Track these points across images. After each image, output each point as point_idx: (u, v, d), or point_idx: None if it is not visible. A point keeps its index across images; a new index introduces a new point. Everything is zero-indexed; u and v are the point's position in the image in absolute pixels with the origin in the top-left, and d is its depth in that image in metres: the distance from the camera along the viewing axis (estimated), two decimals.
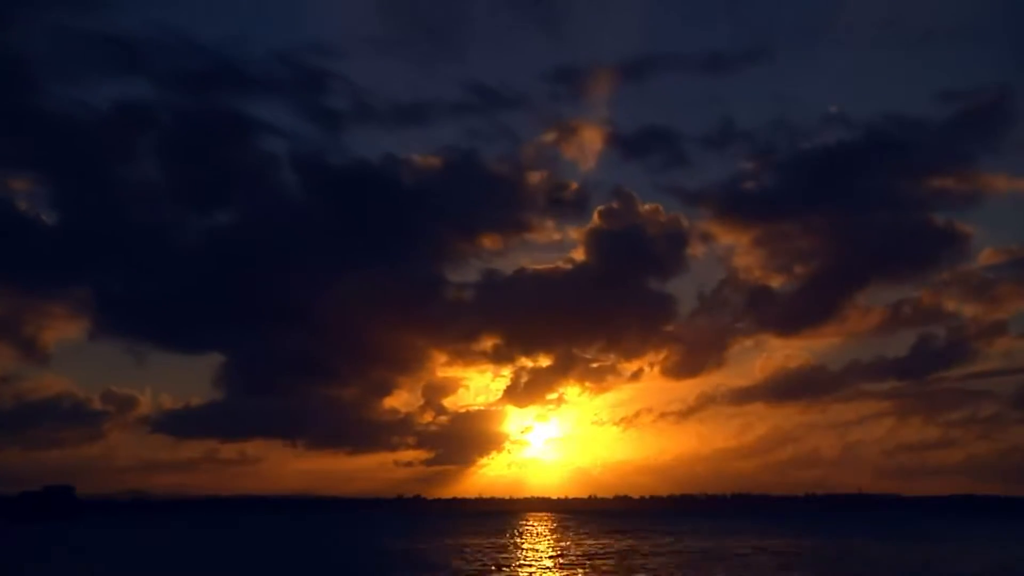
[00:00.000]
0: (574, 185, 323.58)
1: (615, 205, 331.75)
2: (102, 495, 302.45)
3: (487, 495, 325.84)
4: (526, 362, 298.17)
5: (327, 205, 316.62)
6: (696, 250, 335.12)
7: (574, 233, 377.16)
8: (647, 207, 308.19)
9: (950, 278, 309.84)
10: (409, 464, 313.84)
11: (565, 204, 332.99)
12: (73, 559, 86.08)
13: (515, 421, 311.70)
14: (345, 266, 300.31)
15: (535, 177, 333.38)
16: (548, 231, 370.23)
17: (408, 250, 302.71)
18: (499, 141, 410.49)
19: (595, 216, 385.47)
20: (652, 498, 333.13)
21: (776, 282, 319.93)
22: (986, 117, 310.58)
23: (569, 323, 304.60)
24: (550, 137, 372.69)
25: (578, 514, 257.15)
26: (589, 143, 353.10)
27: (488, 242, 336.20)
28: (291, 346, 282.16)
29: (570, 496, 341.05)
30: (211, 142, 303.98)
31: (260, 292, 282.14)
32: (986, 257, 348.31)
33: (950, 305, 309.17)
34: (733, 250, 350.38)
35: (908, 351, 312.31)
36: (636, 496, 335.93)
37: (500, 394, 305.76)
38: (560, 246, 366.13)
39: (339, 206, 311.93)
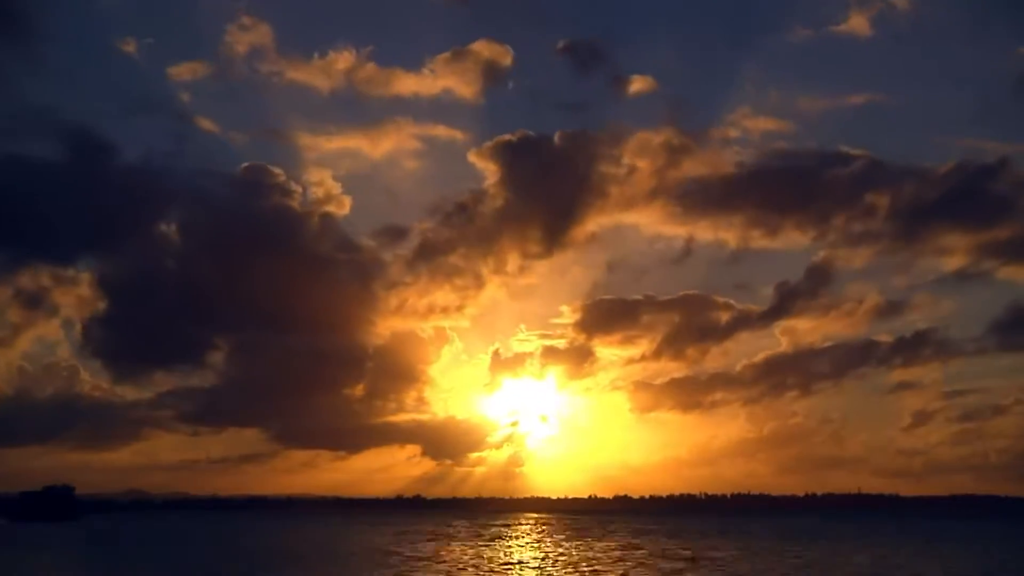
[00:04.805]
0: None
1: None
2: (102, 495, 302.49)
3: (487, 495, 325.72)
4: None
5: None
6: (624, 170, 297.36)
7: (461, 136, 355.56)
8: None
9: None
10: (409, 459, 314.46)
11: None
12: (73, 559, 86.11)
13: (501, 407, 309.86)
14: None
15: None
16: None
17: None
18: None
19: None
20: (652, 498, 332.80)
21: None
22: None
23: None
24: None
25: (573, 515, 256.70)
26: None
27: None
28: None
29: (570, 496, 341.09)
30: None
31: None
32: None
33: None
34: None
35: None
36: (636, 496, 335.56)
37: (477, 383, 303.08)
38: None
39: None
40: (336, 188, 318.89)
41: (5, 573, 73.73)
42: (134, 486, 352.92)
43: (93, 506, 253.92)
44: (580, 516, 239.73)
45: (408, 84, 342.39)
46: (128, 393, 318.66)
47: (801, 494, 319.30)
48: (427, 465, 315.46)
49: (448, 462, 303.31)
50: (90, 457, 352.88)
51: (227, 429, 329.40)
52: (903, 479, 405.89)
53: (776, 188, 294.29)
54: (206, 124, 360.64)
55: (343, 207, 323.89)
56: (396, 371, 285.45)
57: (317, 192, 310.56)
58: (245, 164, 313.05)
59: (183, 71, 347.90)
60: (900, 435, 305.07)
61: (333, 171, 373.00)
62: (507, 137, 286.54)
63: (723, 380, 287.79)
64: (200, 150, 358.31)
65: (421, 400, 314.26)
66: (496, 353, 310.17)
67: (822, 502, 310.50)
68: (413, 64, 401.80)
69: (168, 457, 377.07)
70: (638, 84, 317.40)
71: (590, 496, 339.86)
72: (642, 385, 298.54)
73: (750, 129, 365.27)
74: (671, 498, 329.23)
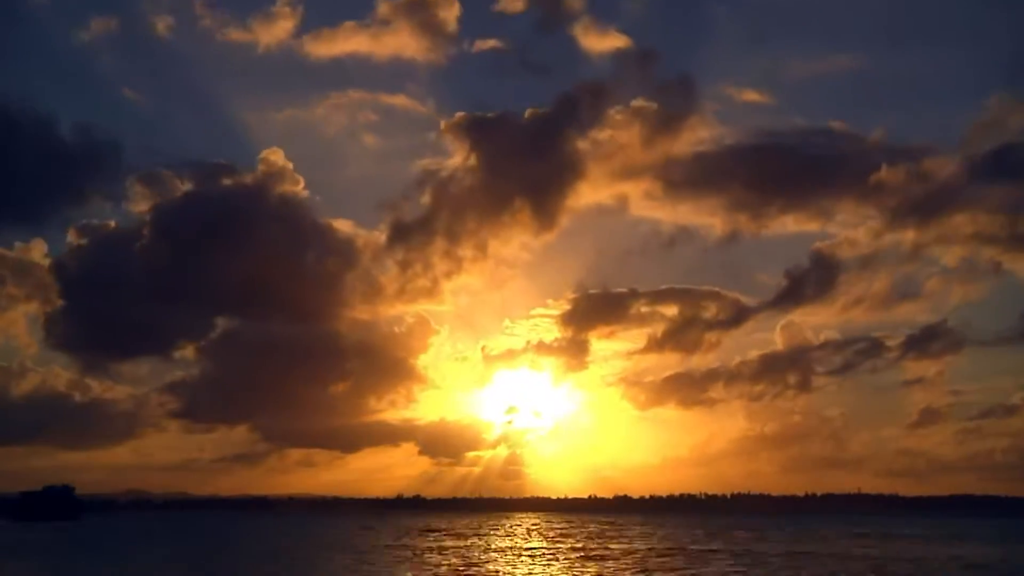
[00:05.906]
0: None
1: None
2: (102, 495, 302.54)
3: (487, 495, 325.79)
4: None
5: None
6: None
7: (420, 108, 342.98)
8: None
9: None
10: (407, 460, 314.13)
11: None
12: (73, 559, 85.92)
13: (495, 405, 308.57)
14: None
15: None
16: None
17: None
18: None
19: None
20: (652, 498, 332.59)
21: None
22: None
23: None
24: None
25: (569, 515, 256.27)
26: None
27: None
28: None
29: (570, 496, 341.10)
30: None
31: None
32: None
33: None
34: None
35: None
36: (636, 496, 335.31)
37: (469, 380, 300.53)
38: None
39: None
40: (289, 166, 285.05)
41: (6, 573, 73.54)
42: (134, 486, 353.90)
43: (93, 506, 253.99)
44: (583, 516, 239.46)
45: (357, 41, 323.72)
46: (108, 390, 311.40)
47: (801, 494, 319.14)
48: (424, 464, 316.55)
49: (446, 461, 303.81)
50: (89, 456, 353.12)
51: (218, 427, 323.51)
52: (905, 479, 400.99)
53: (770, 168, 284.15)
54: (130, 93, 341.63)
55: (298, 186, 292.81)
56: (383, 366, 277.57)
57: (270, 172, 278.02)
58: (190, 142, 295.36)
59: (99, 26, 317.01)
60: (904, 433, 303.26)
61: (285, 149, 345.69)
62: (477, 114, 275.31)
63: (723, 376, 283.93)
64: (128, 120, 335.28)
65: (412, 398, 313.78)
66: (485, 349, 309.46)
67: (823, 502, 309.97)
68: (357, 15, 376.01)
69: (165, 456, 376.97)
70: (608, 41, 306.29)
71: (590, 496, 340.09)
72: (638, 382, 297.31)
73: (734, 101, 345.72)
74: (671, 498, 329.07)
